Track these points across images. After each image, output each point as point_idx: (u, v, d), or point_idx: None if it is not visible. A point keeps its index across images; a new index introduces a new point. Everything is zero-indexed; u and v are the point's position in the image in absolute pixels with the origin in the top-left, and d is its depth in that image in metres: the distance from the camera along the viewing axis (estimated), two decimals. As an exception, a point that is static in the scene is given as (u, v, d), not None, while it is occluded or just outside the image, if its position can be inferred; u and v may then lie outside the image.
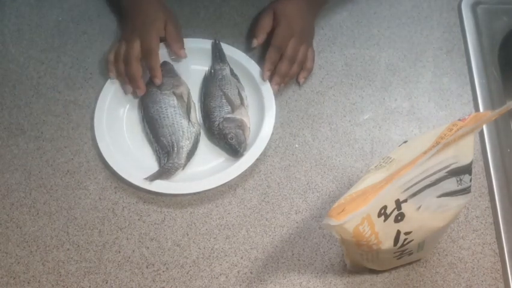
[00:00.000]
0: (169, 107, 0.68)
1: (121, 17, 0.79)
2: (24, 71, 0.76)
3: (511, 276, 0.60)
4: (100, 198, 0.65)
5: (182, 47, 0.72)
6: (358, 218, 0.47)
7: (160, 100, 0.69)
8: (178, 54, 0.72)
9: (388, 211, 0.49)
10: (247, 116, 0.69)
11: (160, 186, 0.63)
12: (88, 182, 0.66)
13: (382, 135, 0.70)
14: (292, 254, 0.61)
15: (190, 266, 0.61)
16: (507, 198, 0.64)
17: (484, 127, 0.70)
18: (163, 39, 0.71)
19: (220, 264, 0.61)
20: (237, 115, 0.68)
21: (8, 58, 0.77)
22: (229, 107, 0.69)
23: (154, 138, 0.68)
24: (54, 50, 0.78)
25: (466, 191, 0.51)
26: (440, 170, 0.48)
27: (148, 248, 0.62)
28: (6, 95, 0.73)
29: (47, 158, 0.68)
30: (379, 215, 0.49)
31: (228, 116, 0.68)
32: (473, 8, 0.82)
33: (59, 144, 0.69)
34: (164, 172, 0.65)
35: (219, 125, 0.67)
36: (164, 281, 0.60)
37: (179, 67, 0.74)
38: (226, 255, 0.61)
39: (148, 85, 0.70)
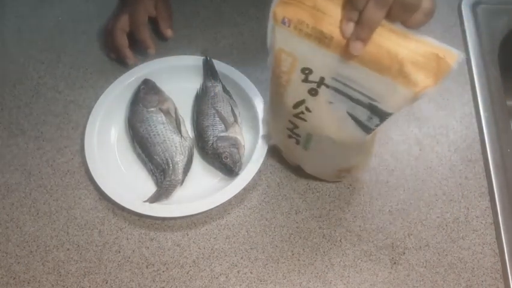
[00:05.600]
0: (158, 124, 0.67)
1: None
2: (24, 71, 0.76)
3: (511, 276, 0.60)
4: (99, 198, 0.65)
5: (169, 26, 0.75)
6: (294, 37, 0.45)
7: (148, 118, 0.67)
8: (164, 34, 0.75)
9: (310, 78, 0.49)
10: (241, 133, 0.68)
11: (156, 209, 0.62)
12: (88, 182, 0.66)
13: (382, 135, 0.70)
14: (292, 254, 0.61)
15: (190, 266, 0.61)
16: (507, 198, 0.64)
17: (484, 127, 0.70)
18: (152, 18, 0.74)
19: (220, 264, 0.61)
20: (231, 133, 0.67)
21: (8, 58, 0.77)
22: (223, 125, 0.67)
23: (147, 158, 0.66)
24: (54, 50, 0.78)
25: (366, 129, 0.50)
26: (367, 96, 0.47)
27: (148, 248, 0.62)
28: (6, 95, 0.74)
29: (47, 158, 0.68)
30: (302, 72, 0.49)
31: (222, 134, 0.66)
32: (473, 8, 0.82)
33: (59, 144, 0.69)
34: (163, 192, 0.63)
35: (212, 144, 0.66)
36: (164, 281, 0.60)
37: (172, 85, 0.72)
38: (226, 255, 0.61)
39: (132, 104, 0.69)
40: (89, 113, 0.69)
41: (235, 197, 0.63)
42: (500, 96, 0.73)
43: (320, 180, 0.66)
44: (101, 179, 0.64)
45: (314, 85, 0.49)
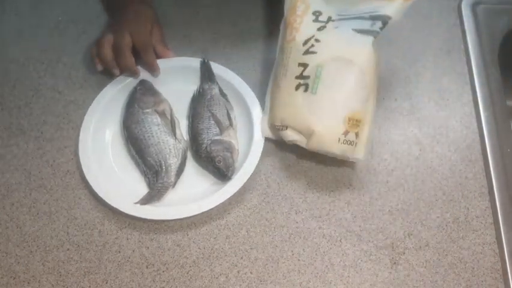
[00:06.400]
0: (153, 126, 0.66)
1: (105, 11, 0.80)
2: (24, 71, 0.76)
3: (511, 276, 0.60)
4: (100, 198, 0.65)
5: (168, 48, 0.73)
6: None
7: (143, 119, 0.67)
8: (164, 55, 0.72)
9: (320, 18, 0.63)
10: (236, 137, 0.67)
11: (147, 212, 0.61)
12: (87, 182, 0.66)
13: (382, 135, 0.70)
14: (292, 254, 0.61)
15: (190, 266, 0.61)
16: (507, 198, 0.64)
17: (484, 127, 0.70)
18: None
19: (220, 264, 0.61)
20: (225, 137, 0.66)
21: (8, 58, 0.77)
22: (217, 129, 0.66)
23: (140, 159, 0.65)
24: (55, 50, 0.78)
25: (372, 33, 0.61)
26: (366, 12, 0.62)
27: (148, 248, 0.62)
28: (6, 95, 0.74)
29: (47, 158, 0.68)
30: (313, 14, 0.63)
31: (216, 138, 0.66)
32: (473, 8, 0.82)
33: (59, 144, 0.69)
34: (154, 194, 0.63)
35: (206, 147, 0.65)
36: (164, 281, 0.60)
37: (168, 87, 0.72)
38: (226, 255, 0.61)
39: (128, 105, 0.69)
40: (89, 113, 0.69)
41: (235, 197, 0.63)
42: (500, 96, 0.73)
43: (320, 180, 0.66)
44: (94, 180, 0.63)
45: (323, 23, 0.63)
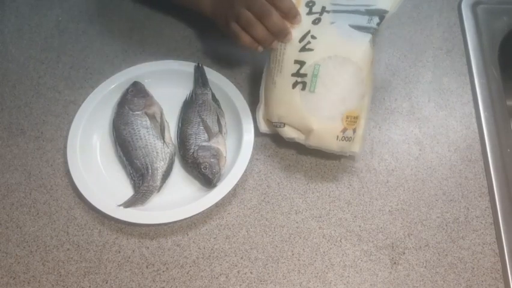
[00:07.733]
0: (142, 128, 0.66)
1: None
2: (24, 71, 0.76)
3: (511, 276, 0.60)
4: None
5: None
6: None
7: (132, 121, 0.66)
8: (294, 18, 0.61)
9: (314, 9, 0.61)
10: (224, 144, 0.67)
11: (130, 215, 0.61)
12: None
13: (382, 135, 0.70)
14: (292, 254, 0.61)
15: (190, 266, 0.61)
16: (507, 198, 0.64)
17: (484, 127, 0.70)
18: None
19: (220, 264, 0.61)
20: (213, 143, 0.65)
21: (8, 58, 0.77)
22: (206, 135, 0.66)
23: (127, 162, 0.65)
24: (54, 50, 0.78)
25: (369, 30, 0.60)
26: (363, 5, 0.61)
27: (148, 248, 0.62)
28: (6, 95, 0.74)
29: (47, 158, 0.68)
30: (307, 5, 0.61)
31: (204, 144, 0.65)
32: (473, 8, 0.82)
33: (59, 144, 0.69)
34: (139, 197, 0.63)
35: (193, 153, 0.65)
36: (164, 281, 0.60)
37: (161, 90, 0.71)
38: (226, 255, 0.61)
39: (119, 106, 0.69)
40: (89, 113, 0.69)
41: (235, 196, 0.63)
42: (500, 96, 0.73)
43: (320, 180, 0.66)
44: (80, 180, 0.63)
45: (317, 15, 0.61)
